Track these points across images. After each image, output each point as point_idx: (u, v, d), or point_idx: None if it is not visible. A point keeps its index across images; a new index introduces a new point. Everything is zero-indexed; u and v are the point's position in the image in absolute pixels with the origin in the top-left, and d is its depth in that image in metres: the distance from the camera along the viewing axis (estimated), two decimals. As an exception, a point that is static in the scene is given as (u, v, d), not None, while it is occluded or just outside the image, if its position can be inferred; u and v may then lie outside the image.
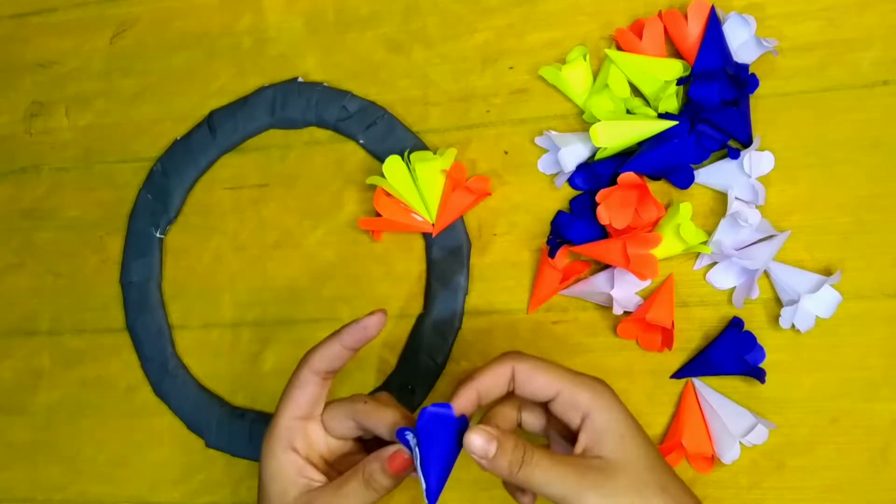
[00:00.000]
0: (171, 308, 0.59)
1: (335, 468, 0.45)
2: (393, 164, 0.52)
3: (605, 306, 0.51)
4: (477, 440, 0.39)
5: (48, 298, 0.61)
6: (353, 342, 0.44)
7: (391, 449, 0.42)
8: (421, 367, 0.54)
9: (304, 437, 0.44)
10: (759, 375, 0.48)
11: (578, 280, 0.52)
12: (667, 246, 0.50)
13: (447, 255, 0.54)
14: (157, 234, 0.58)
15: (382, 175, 0.52)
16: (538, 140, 0.53)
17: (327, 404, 0.45)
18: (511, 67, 0.54)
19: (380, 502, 0.43)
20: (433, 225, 0.53)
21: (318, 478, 0.43)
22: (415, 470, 0.41)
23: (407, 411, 0.44)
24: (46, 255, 0.61)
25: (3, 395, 0.61)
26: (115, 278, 0.59)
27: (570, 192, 0.53)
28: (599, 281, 0.51)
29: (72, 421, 0.60)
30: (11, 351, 0.61)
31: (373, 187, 0.54)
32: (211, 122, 0.58)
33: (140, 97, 0.60)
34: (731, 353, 0.49)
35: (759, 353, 0.49)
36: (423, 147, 0.55)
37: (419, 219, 0.53)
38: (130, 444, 0.58)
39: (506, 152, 0.54)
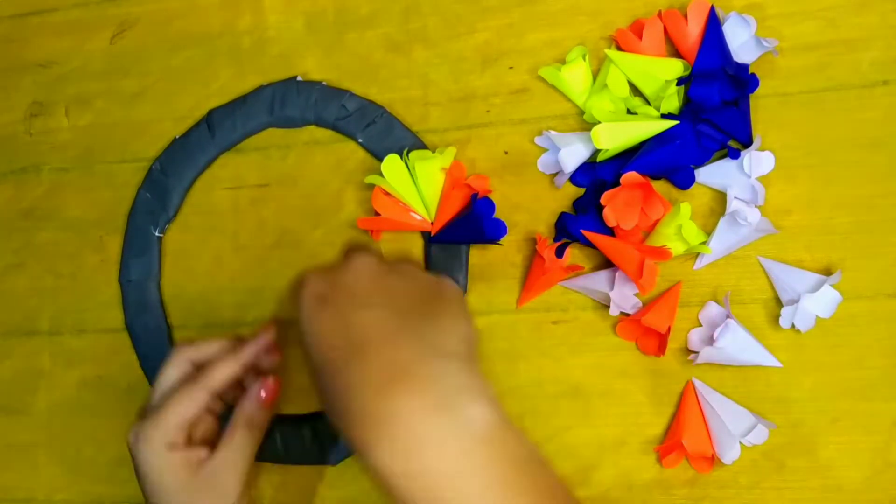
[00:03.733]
0: (171, 308, 0.59)
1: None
2: (391, 162, 0.52)
3: (606, 305, 0.51)
4: None
5: (48, 298, 0.61)
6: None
7: (256, 386, 0.47)
8: (421, 367, 0.54)
9: (183, 434, 0.46)
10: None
11: (578, 275, 0.52)
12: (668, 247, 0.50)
13: (446, 255, 0.54)
14: (156, 233, 0.58)
15: (381, 174, 0.52)
16: (538, 140, 0.53)
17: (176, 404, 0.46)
18: (511, 67, 0.54)
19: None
20: (432, 224, 0.53)
21: (201, 453, 0.46)
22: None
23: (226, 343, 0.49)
24: (46, 255, 0.61)
25: (3, 395, 0.61)
26: (115, 278, 0.59)
27: (570, 192, 0.53)
28: (599, 279, 0.51)
29: (72, 421, 0.60)
30: (11, 351, 0.61)
31: (373, 187, 0.54)
32: (210, 121, 0.58)
33: (140, 97, 0.60)
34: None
35: None
36: (423, 146, 0.55)
37: (418, 218, 0.53)
38: (130, 444, 0.58)
39: (506, 152, 0.54)
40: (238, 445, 0.46)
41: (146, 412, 0.47)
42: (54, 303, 0.61)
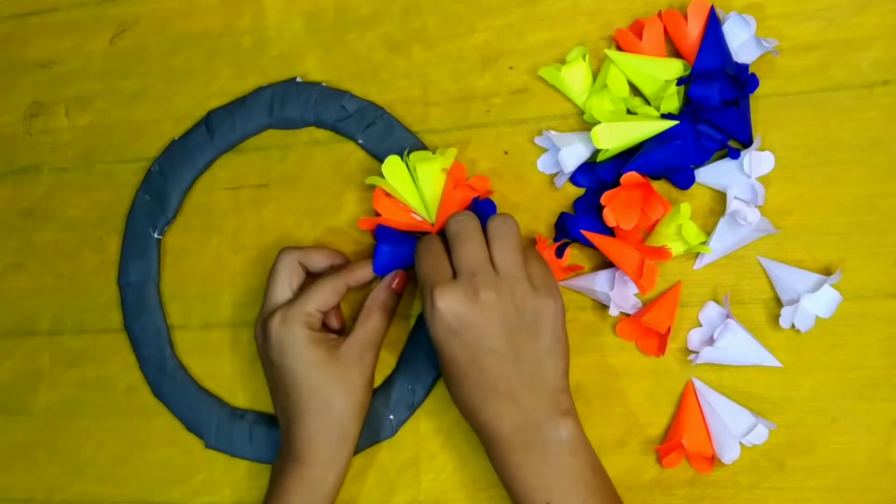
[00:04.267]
0: (170, 308, 0.59)
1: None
2: (392, 163, 0.52)
3: (606, 305, 0.51)
4: None
5: (48, 298, 0.61)
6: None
7: (389, 277, 0.52)
8: (421, 367, 0.54)
9: (321, 319, 0.51)
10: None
11: (578, 275, 0.52)
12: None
13: (447, 255, 0.53)
14: (155, 235, 0.58)
15: (382, 175, 0.52)
16: (538, 140, 0.53)
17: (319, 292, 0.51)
18: (511, 67, 0.54)
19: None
20: (433, 224, 0.53)
21: (332, 336, 0.51)
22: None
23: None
24: (46, 255, 0.61)
25: (3, 395, 0.61)
26: (115, 279, 0.59)
27: (570, 192, 0.53)
28: (599, 279, 0.51)
29: (72, 421, 0.60)
30: (11, 351, 0.61)
31: (373, 187, 0.54)
32: (209, 123, 0.58)
33: (140, 97, 0.60)
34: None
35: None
36: (422, 147, 0.55)
37: (419, 218, 0.53)
38: (130, 444, 0.58)
39: (506, 152, 0.54)
40: (375, 324, 0.51)
41: (274, 307, 0.51)
42: (54, 303, 0.61)
